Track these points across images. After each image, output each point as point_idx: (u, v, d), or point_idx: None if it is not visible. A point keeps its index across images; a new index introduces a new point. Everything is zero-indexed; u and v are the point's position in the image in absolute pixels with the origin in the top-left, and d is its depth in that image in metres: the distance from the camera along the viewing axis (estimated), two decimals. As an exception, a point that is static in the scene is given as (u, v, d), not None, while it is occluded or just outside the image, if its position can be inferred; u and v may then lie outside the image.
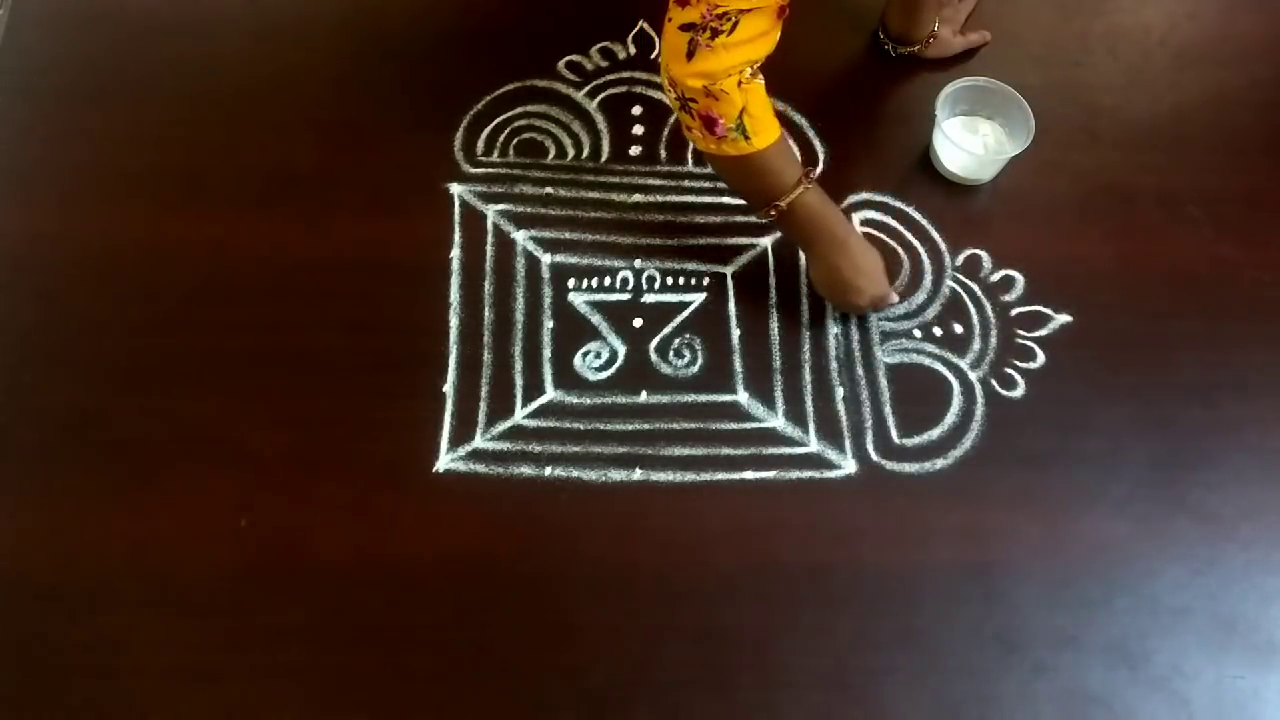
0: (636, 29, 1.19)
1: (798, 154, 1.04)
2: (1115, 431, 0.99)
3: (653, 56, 1.18)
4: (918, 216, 1.09)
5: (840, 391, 1.00)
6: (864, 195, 1.10)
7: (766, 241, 1.07)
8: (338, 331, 1.00)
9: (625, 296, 1.04)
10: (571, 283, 1.04)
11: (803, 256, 1.04)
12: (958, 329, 1.04)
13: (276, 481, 0.93)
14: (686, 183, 1.10)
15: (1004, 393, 1.01)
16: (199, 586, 0.89)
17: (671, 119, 1.13)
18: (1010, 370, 1.02)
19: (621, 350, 1.01)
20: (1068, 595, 0.92)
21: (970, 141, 1.10)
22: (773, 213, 0.94)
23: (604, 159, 1.11)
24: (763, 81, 0.88)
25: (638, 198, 1.09)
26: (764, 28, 0.84)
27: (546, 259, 1.06)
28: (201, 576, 0.89)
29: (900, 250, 1.07)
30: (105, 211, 1.06)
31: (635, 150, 1.12)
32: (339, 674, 0.87)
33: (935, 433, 0.98)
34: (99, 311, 1.01)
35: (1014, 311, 1.05)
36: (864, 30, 1.20)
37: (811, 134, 1.13)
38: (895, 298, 1.01)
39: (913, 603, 0.91)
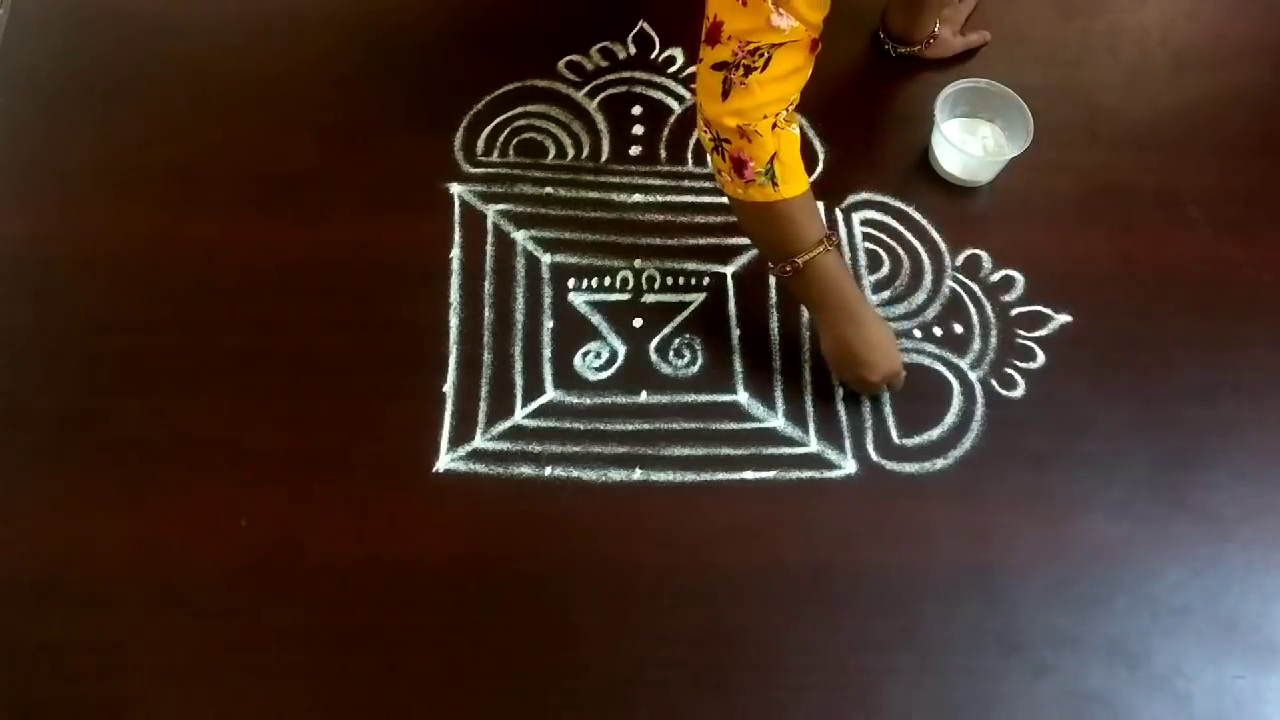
0: (636, 29, 1.19)
1: (823, 217, 1.02)
2: (1115, 431, 0.99)
3: (652, 56, 1.18)
4: (918, 217, 1.09)
5: (840, 391, 1.00)
6: (864, 195, 1.10)
7: (766, 241, 1.07)
8: (338, 331, 1.00)
9: (625, 296, 1.04)
10: (571, 283, 1.04)
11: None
12: (958, 329, 1.04)
13: (276, 481, 0.93)
14: (686, 183, 1.10)
15: (1004, 393, 1.01)
16: (199, 586, 0.89)
17: (671, 119, 1.13)
18: (1010, 370, 1.02)
19: (621, 350, 1.01)
20: (1068, 595, 0.92)
21: (969, 144, 1.10)
22: (788, 269, 0.91)
23: (604, 159, 1.11)
24: (798, 132, 0.88)
25: (638, 198, 1.09)
26: (797, 63, 0.83)
27: (546, 259, 1.06)
28: (201, 576, 0.89)
29: (900, 250, 1.07)
30: (105, 211, 1.06)
31: (635, 150, 1.12)
32: (339, 674, 0.87)
33: (935, 433, 0.98)
34: (99, 311, 1.01)
35: (1014, 311, 1.05)
36: (864, 30, 1.20)
37: (811, 134, 1.13)
38: (903, 374, 0.97)
39: (913, 603, 0.91)
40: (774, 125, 0.85)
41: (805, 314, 1.03)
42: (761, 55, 0.81)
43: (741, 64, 0.81)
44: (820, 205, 1.08)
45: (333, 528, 0.92)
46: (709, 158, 0.91)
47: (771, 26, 0.80)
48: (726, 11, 0.81)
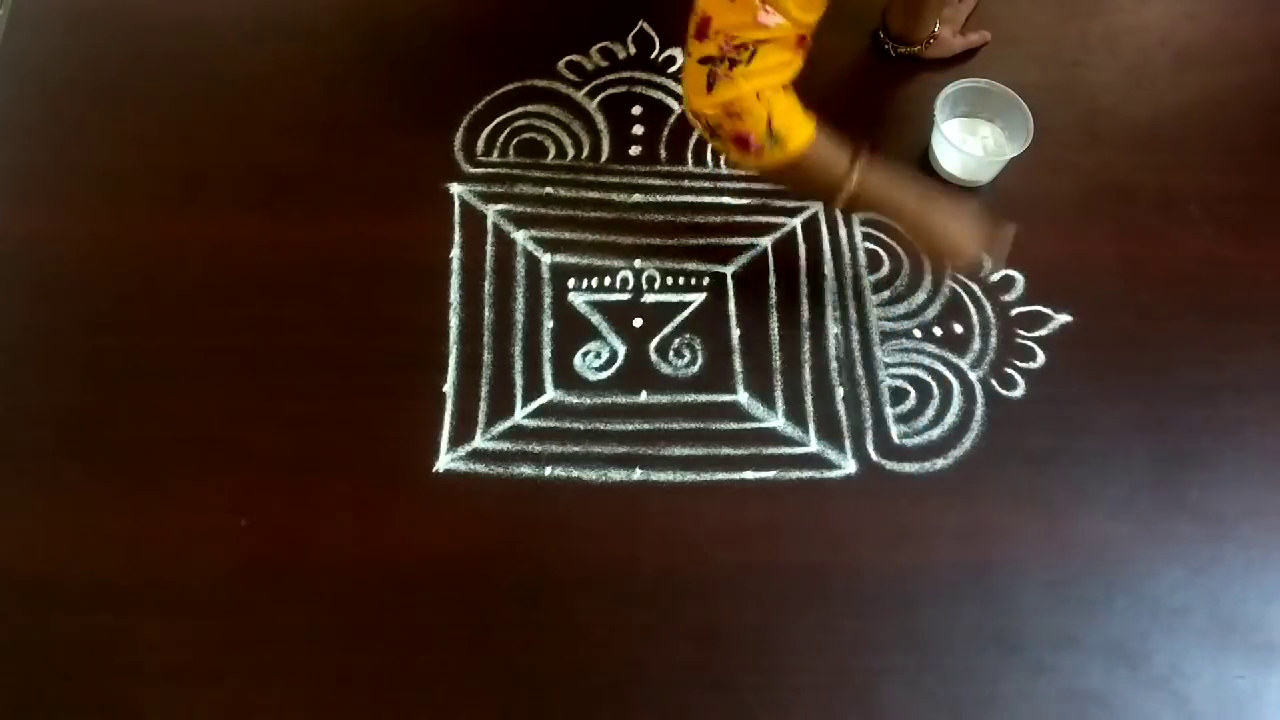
0: (636, 29, 1.19)
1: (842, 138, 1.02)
2: (1115, 431, 0.99)
3: (652, 56, 1.18)
4: (918, 216, 1.09)
5: (840, 391, 1.00)
6: (864, 195, 1.10)
7: (766, 241, 1.07)
8: (338, 331, 1.00)
9: (625, 296, 1.04)
10: (571, 283, 1.04)
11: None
12: (958, 329, 1.04)
13: (276, 481, 0.93)
14: (686, 183, 1.10)
15: (1004, 393, 1.01)
16: (199, 586, 0.89)
17: (671, 119, 1.13)
18: (1010, 370, 1.02)
19: (621, 350, 1.01)
20: (1068, 595, 0.92)
21: (969, 144, 1.10)
22: (846, 200, 0.93)
23: (604, 159, 1.11)
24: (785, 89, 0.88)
25: (638, 198, 1.09)
26: (784, 58, 0.84)
27: (546, 259, 1.06)
28: (201, 576, 0.89)
29: (900, 250, 1.07)
30: (105, 211, 1.06)
31: (635, 150, 1.12)
32: (339, 674, 0.87)
33: (935, 433, 0.98)
34: (99, 311, 1.01)
35: (1014, 311, 1.05)
36: (864, 30, 1.20)
37: (811, 134, 1.13)
38: (1011, 229, 0.97)
39: (913, 603, 0.91)
40: (756, 95, 0.85)
41: (805, 313, 1.03)
42: (747, 50, 0.82)
43: (727, 58, 0.82)
44: (819, 202, 1.09)
45: (333, 527, 0.92)
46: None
47: (758, 23, 0.80)
48: (714, 7, 0.81)
